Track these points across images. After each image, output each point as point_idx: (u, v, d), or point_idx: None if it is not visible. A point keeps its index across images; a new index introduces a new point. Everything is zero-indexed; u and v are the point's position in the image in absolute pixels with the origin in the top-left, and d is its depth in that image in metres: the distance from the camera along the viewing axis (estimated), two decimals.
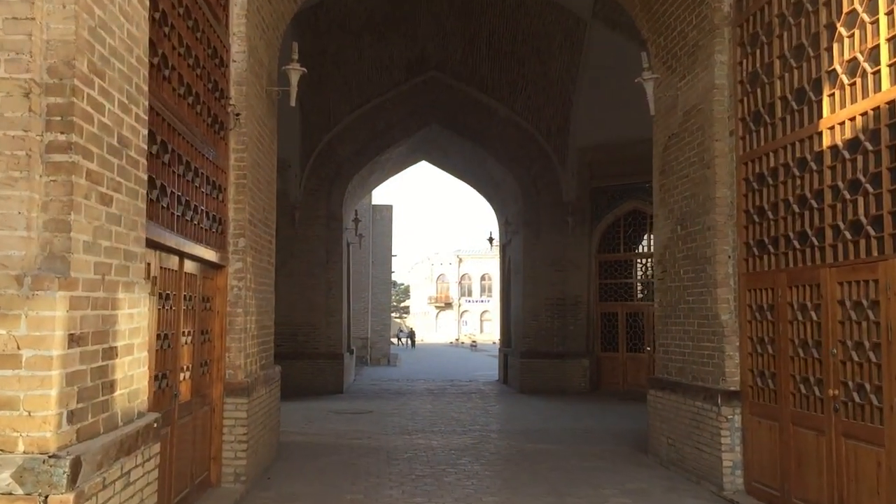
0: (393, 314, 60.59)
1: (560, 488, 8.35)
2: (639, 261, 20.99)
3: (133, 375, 4.44)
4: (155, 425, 4.65)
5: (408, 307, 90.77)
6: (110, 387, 4.07)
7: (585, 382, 20.41)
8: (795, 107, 7.06)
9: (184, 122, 6.24)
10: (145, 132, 4.57)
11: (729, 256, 8.21)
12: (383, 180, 26.59)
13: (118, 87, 4.16)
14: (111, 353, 4.08)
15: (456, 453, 10.56)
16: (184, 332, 6.56)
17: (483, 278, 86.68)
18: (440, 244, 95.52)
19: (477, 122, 21.94)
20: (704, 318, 8.52)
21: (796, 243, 7.00)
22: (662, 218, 9.90)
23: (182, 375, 6.56)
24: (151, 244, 5.41)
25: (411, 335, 63.88)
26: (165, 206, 5.72)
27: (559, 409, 16.46)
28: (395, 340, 51.88)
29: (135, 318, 4.44)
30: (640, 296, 20.64)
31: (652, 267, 20.85)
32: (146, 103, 4.61)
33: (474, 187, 26.42)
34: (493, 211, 26.74)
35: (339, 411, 15.75)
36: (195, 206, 6.67)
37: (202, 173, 6.93)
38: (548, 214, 21.39)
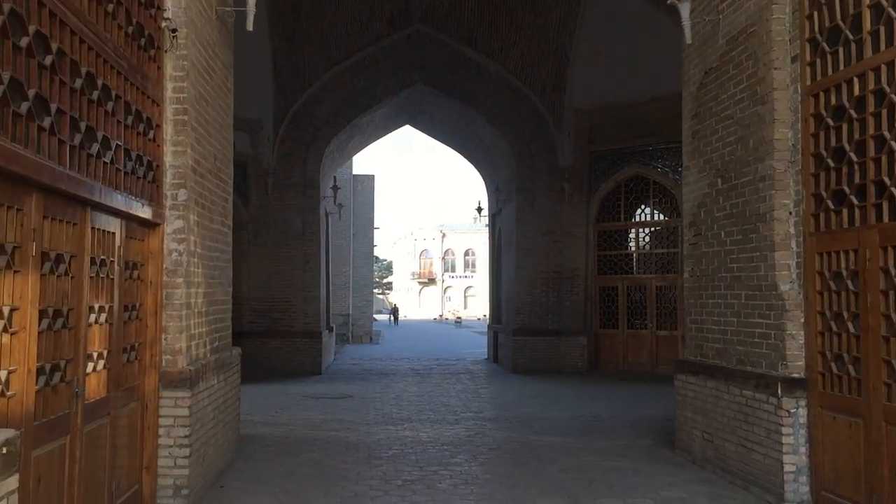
0: (375, 290, 58.96)
1: (579, 497, 6.81)
2: (641, 230, 19.44)
3: None
4: (4, 450, 3.02)
5: (391, 283, 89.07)
6: None
7: (583, 362, 18.93)
8: (894, 14, 5.47)
9: (82, 20, 4.54)
10: None
11: (790, 212, 6.64)
12: (364, 146, 24.84)
13: None
14: None
15: (449, 449, 8.99)
16: (93, 308, 4.90)
17: (467, 253, 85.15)
18: (423, 219, 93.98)
19: (465, 81, 20.23)
20: (756, 288, 6.97)
21: None
22: (696, 170, 8.30)
23: (91, 365, 4.90)
24: (21, 179, 3.75)
25: (394, 311, 62.34)
26: (47, 128, 4.04)
27: (558, 391, 14.97)
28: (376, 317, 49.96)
29: None
30: (642, 268, 19.11)
31: (644, 235, 19.36)
32: None
33: (462, 153, 24.72)
34: (481, 179, 25.09)
35: (316, 396, 14.17)
36: (108, 139, 4.98)
37: (120, 98, 5.24)
38: (542, 181, 19.80)
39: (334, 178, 23.72)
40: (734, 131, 7.42)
